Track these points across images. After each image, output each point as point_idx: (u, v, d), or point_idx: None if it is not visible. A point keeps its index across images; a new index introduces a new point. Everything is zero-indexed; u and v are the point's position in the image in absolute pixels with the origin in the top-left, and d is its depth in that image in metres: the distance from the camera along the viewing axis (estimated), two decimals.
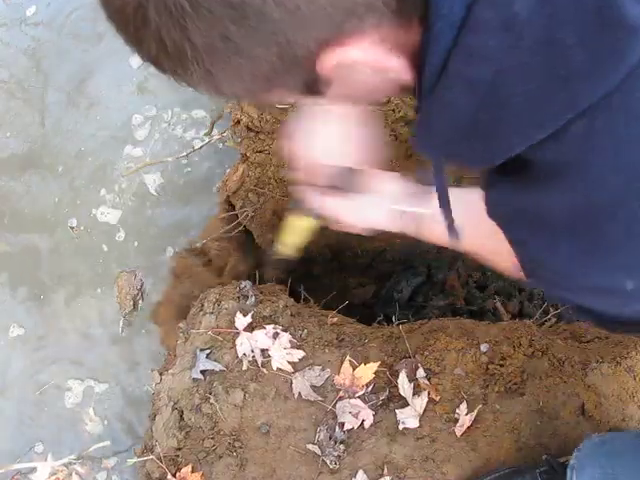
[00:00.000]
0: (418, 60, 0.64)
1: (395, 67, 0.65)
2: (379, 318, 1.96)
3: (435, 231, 1.11)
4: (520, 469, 1.47)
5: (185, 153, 2.16)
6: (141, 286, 2.33)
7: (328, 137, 1.20)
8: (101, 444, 2.12)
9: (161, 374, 1.78)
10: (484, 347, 1.64)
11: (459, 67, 0.60)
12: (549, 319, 1.88)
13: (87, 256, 2.36)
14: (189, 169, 2.26)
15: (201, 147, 2.13)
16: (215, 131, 2.18)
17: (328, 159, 1.19)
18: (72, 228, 2.37)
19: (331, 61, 0.62)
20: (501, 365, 1.61)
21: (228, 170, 2.09)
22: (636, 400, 1.57)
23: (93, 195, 2.39)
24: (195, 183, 2.28)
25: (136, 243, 2.33)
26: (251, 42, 0.58)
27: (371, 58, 0.63)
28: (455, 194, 0.95)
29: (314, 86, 0.68)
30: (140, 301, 2.32)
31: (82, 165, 2.43)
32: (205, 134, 2.34)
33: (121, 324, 2.30)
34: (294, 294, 1.93)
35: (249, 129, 2.00)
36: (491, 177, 0.75)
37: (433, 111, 0.68)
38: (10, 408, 2.31)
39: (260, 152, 1.98)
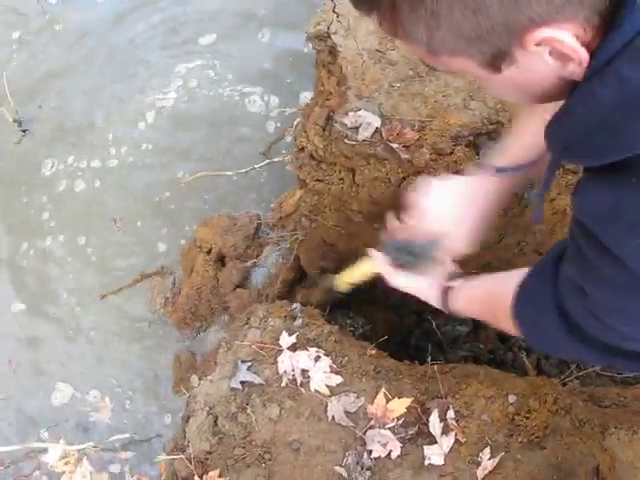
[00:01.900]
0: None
1: (582, 59, 0.71)
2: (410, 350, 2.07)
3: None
4: None
5: (245, 170, 2.25)
6: (173, 286, 2.42)
7: (447, 204, 1.35)
8: (120, 436, 2.19)
9: (200, 379, 1.86)
10: (512, 398, 1.73)
11: (620, 66, 0.68)
12: (571, 380, 1.98)
13: None
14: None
15: (261, 166, 2.21)
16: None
17: (436, 223, 1.34)
18: None
19: (536, 38, 0.69)
20: (527, 418, 1.70)
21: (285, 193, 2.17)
22: None
23: None
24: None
25: None
26: (484, 4, 0.67)
27: (571, 45, 0.69)
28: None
29: (497, 62, 0.75)
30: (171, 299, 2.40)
31: None
32: (262, 153, 2.44)
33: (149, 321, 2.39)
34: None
35: (312, 157, 2.10)
36: (584, 180, 0.82)
37: (574, 103, 0.75)
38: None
39: (319, 181, 2.08)
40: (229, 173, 2.28)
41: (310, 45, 2.22)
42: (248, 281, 2.30)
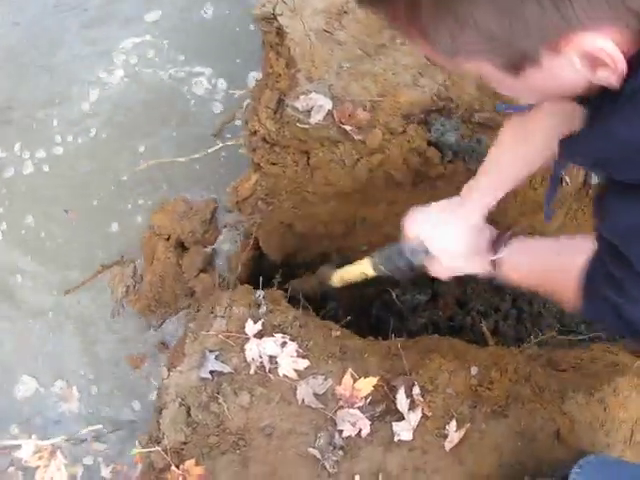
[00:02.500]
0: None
1: (619, 67, 0.70)
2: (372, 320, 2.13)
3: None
4: None
5: (198, 155, 2.24)
6: (134, 274, 2.41)
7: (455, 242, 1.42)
8: (92, 427, 2.21)
9: (169, 370, 1.88)
10: (474, 370, 1.80)
11: None
12: (529, 345, 2.06)
13: None
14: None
15: (214, 150, 2.21)
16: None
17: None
18: None
19: (573, 43, 0.68)
20: (489, 389, 1.77)
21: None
22: (604, 429, 1.75)
23: None
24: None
25: None
26: (520, 7, 0.66)
27: (611, 52, 0.68)
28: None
29: (519, 65, 0.75)
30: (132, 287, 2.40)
31: None
32: (213, 134, 2.43)
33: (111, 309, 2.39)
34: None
35: (265, 141, 2.09)
36: (614, 195, 0.82)
37: (617, 124, 0.74)
38: None
39: (274, 164, 2.09)
40: (182, 159, 2.26)
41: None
42: (211, 266, 2.31)
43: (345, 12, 2.03)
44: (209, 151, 2.23)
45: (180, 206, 2.37)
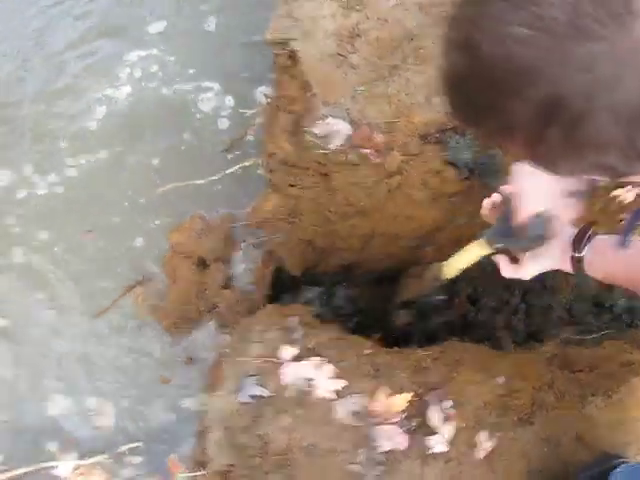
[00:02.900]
0: None
1: None
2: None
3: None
4: None
5: (216, 177, 2.29)
6: (157, 292, 2.48)
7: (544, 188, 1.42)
8: (131, 445, 2.30)
9: (209, 395, 1.96)
10: (499, 380, 1.91)
11: None
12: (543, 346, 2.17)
13: None
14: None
15: (232, 171, 2.26)
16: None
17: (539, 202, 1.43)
18: None
19: None
20: (515, 398, 1.88)
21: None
22: (623, 429, 1.87)
23: None
24: None
25: None
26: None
27: None
28: None
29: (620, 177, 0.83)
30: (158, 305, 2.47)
31: None
32: (224, 150, 2.48)
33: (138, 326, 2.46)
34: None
35: (283, 162, 2.15)
36: None
37: None
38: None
39: (293, 186, 2.15)
40: (200, 182, 2.31)
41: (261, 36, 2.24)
42: (232, 281, 2.39)
43: (357, 35, 2.08)
44: (227, 172, 2.27)
45: (197, 224, 2.42)
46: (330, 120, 2.02)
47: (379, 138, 2.01)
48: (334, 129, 2.01)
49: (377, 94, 2.05)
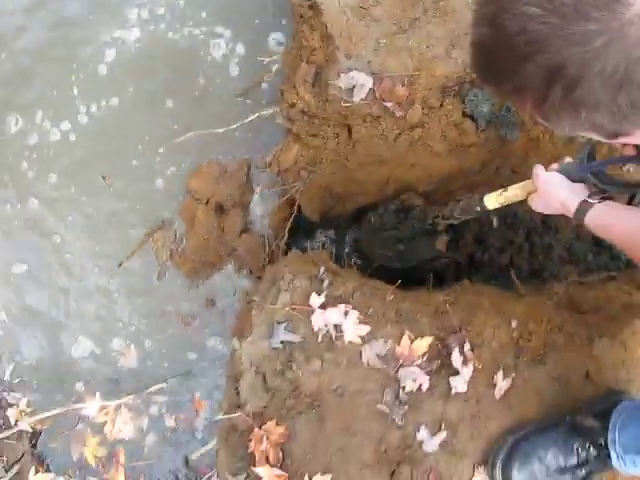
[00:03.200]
0: None
1: None
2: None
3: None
4: (546, 426, 1.91)
5: (235, 125, 2.32)
6: (175, 238, 2.55)
7: None
8: (157, 386, 2.42)
9: (239, 340, 2.07)
10: (514, 323, 2.04)
11: None
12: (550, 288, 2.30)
13: None
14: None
15: (250, 120, 2.30)
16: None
17: None
18: None
19: None
20: (528, 340, 2.01)
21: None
22: (625, 367, 2.03)
23: None
24: None
25: None
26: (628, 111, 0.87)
27: None
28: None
29: (617, 136, 0.96)
30: (176, 250, 2.54)
31: None
32: (239, 96, 2.50)
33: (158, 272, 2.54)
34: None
35: (304, 113, 2.20)
36: None
37: None
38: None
39: (315, 136, 2.20)
40: (220, 130, 2.34)
41: None
42: (251, 225, 2.46)
43: None
44: (245, 121, 2.31)
45: (214, 169, 2.48)
46: (354, 74, 2.05)
47: (401, 91, 2.06)
48: (358, 83, 2.05)
49: (399, 47, 2.08)
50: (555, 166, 1.69)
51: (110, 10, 2.63)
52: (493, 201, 1.94)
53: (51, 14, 2.65)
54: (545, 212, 1.75)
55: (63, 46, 2.62)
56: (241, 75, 2.55)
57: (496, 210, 1.97)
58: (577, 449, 1.85)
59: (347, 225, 2.61)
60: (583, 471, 1.86)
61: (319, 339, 2.01)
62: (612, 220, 1.55)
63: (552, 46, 0.81)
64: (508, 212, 2.61)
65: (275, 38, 2.52)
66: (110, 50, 2.61)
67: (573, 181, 1.65)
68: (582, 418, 1.89)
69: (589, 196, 1.60)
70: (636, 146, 1.17)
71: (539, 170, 1.69)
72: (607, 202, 1.58)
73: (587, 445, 1.84)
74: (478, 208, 2.01)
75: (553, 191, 1.66)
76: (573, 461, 1.86)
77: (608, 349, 2.03)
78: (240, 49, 2.54)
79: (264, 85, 2.48)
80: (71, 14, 2.65)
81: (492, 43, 0.89)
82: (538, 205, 1.74)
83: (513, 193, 1.87)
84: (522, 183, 1.83)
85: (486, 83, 0.99)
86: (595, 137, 0.99)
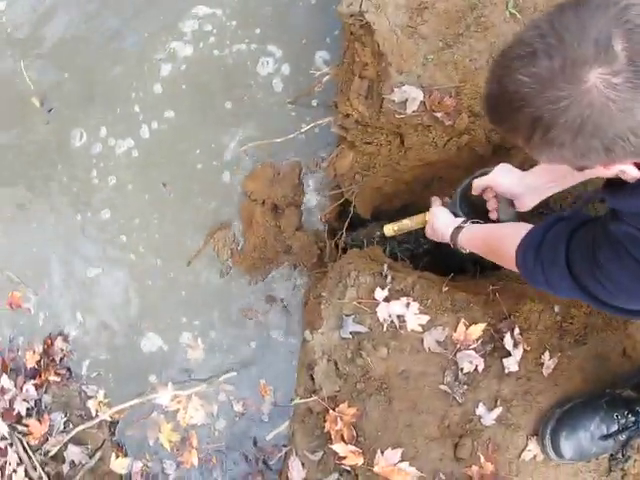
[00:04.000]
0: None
1: (636, 175, 1.21)
2: None
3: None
4: (589, 399, 2.15)
5: (292, 135, 2.53)
6: (234, 237, 2.76)
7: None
8: (227, 375, 2.64)
9: (311, 332, 2.29)
10: (557, 308, 2.27)
11: None
12: None
13: None
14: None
15: (306, 130, 2.51)
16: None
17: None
18: None
19: (613, 167, 1.18)
20: (570, 323, 2.25)
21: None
22: None
23: None
24: None
25: None
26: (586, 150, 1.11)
27: (632, 171, 1.19)
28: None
29: (583, 169, 1.22)
30: (236, 249, 2.76)
31: None
32: (289, 102, 2.71)
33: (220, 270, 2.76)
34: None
35: (358, 122, 2.41)
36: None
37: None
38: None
39: (369, 143, 2.42)
40: (278, 140, 2.55)
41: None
42: (304, 223, 2.68)
43: (426, 7, 2.29)
44: (302, 130, 2.52)
45: (268, 172, 2.69)
46: (406, 88, 2.26)
47: (449, 102, 2.27)
48: (410, 96, 2.26)
49: (445, 61, 2.28)
50: (440, 202, 2.20)
51: (164, 26, 2.82)
52: (390, 229, 2.36)
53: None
54: (435, 239, 2.18)
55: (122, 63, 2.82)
56: (294, 87, 2.76)
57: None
58: (617, 417, 2.09)
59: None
60: (623, 436, 2.10)
61: (384, 329, 2.24)
62: (473, 235, 2.01)
63: (534, 103, 1.08)
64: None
65: (321, 56, 2.73)
66: (166, 65, 2.81)
67: (454, 214, 2.14)
68: (621, 390, 2.13)
69: (462, 223, 2.06)
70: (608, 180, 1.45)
71: (433, 204, 2.21)
72: (472, 224, 2.04)
73: (626, 413, 2.08)
74: (378, 233, 2.46)
75: (437, 223, 2.14)
76: (614, 428, 2.10)
77: None
78: (287, 65, 2.75)
79: (315, 96, 2.69)
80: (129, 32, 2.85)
81: (497, 96, 1.17)
82: (430, 233, 2.19)
83: (405, 224, 2.32)
84: (413, 217, 2.30)
85: (492, 123, 1.28)
86: (569, 167, 1.25)
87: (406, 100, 2.27)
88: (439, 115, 2.27)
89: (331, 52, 2.73)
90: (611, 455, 2.17)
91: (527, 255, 1.64)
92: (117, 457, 2.68)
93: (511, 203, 2.04)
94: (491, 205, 2.07)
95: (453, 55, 2.29)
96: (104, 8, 2.88)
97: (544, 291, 1.65)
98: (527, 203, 2.02)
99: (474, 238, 2.00)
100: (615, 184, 1.31)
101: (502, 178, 2.01)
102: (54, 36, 2.88)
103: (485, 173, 2.05)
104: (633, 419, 2.08)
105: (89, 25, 2.88)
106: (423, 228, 2.25)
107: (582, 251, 1.46)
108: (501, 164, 2.03)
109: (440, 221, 2.13)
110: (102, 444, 2.70)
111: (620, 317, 2.26)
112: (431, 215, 2.17)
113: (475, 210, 2.14)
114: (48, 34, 2.90)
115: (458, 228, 2.04)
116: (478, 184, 2.06)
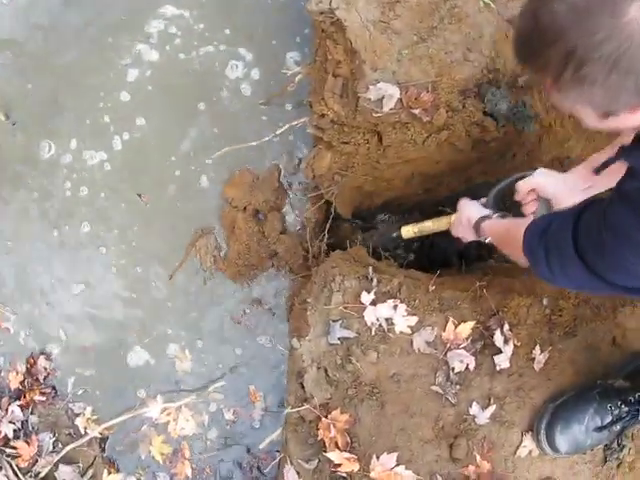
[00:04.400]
0: None
1: None
2: None
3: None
4: (582, 392, 2.13)
5: (267, 138, 2.48)
6: (216, 244, 2.71)
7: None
8: (216, 384, 2.61)
9: (299, 340, 2.26)
10: (545, 301, 2.25)
11: None
12: None
13: None
14: None
15: (281, 132, 2.46)
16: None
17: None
18: None
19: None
20: (559, 315, 2.23)
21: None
22: None
23: None
24: None
25: None
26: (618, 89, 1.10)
27: None
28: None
29: (608, 115, 1.19)
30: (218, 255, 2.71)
31: None
32: (262, 103, 2.66)
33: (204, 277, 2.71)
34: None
35: (334, 122, 2.35)
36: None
37: None
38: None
39: (346, 143, 2.37)
40: (254, 144, 2.49)
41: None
42: (287, 226, 2.64)
43: (397, 1, 2.24)
44: (277, 132, 2.46)
45: (247, 177, 2.64)
46: (381, 85, 2.21)
47: (426, 97, 2.22)
48: (386, 93, 2.20)
49: (420, 55, 2.23)
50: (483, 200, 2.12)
51: (129, 27, 2.74)
52: (409, 231, 2.29)
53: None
54: (459, 235, 2.13)
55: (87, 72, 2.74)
56: (265, 89, 2.70)
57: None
58: (611, 408, 2.08)
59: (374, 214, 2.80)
60: (618, 427, 2.10)
61: (372, 332, 2.21)
62: (498, 223, 1.98)
63: (569, 35, 1.07)
64: None
65: (292, 57, 2.68)
66: (133, 70, 2.73)
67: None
68: (613, 381, 2.12)
69: (491, 214, 2.03)
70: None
71: (461, 199, 2.14)
72: (499, 216, 2.01)
73: (619, 404, 2.08)
74: (394, 235, 2.38)
75: (465, 210, 2.09)
76: (608, 419, 2.09)
77: (630, 316, 2.25)
78: (257, 68, 2.70)
79: (289, 97, 2.63)
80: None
81: (530, 29, 1.16)
82: (456, 229, 2.13)
83: (427, 226, 2.26)
84: (436, 218, 2.25)
85: (521, 61, 1.25)
86: (591, 117, 1.23)
87: (382, 98, 2.22)
88: (417, 112, 2.23)
89: (302, 52, 2.67)
90: (606, 445, 2.16)
91: (532, 240, 1.58)
92: (109, 473, 2.63)
93: (549, 206, 1.99)
94: (529, 209, 2.01)
95: (428, 49, 2.24)
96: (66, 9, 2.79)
97: (547, 281, 1.60)
98: (567, 205, 1.93)
99: (498, 225, 1.96)
100: None
101: (546, 180, 1.97)
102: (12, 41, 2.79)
103: (523, 177, 2.01)
104: (627, 409, 2.07)
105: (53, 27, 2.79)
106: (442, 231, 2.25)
107: (590, 225, 1.38)
108: (540, 168, 2.00)
109: (469, 210, 2.08)
110: (93, 461, 2.65)
111: (621, 297, 2.23)
112: (460, 206, 2.12)
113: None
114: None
115: (486, 217, 2.01)
116: (523, 187, 2.00)
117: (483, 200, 2.10)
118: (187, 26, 2.72)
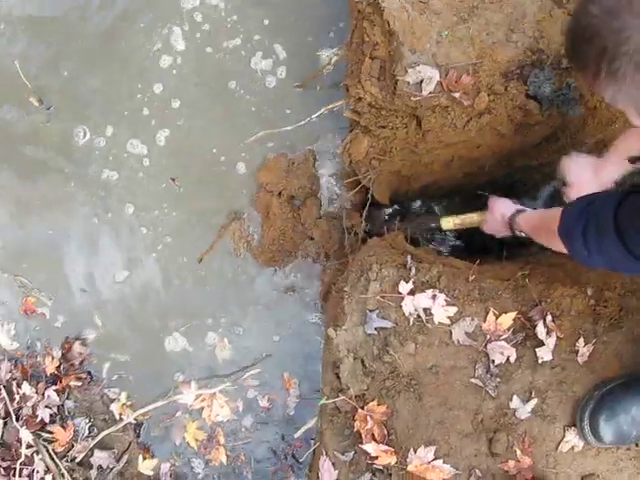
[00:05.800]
0: None
1: None
2: None
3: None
4: (630, 381, 2.06)
5: (303, 122, 2.42)
6: (250, 229, 2.67)
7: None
8: (252, 371, 2.58)
9: (335, 329, 2.21)
10: (589, 291, 2.17)
11: None
12: None
13: None
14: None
15: (317, 115, 2.40)
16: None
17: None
18: None
19: None
20: (605, 306, 2.15)
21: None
22: None
23: None
24: None
25: None
26: None
27: None
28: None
29: None
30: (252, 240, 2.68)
31: None
32: (297, 86, 2.60)
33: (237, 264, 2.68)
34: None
35: (371, 106, 2.29)
36: None
37: None
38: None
39: (384, 127, 2.30)
40: (289, 128, 2.44)
41: None
42: (323, 211, 2.59)
43: None
44: (313, 116, 2.41)
45: (282, 162, 2.59)
46: (421, 68, 2.13)
47: (467, 80, 2.14)
48: (426, 76, 2.13)
49: (460, 37, 2.15)
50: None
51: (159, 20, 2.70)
52: (449, 222, 2.34)
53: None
54: (491, 232, 2.23)
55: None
56: (301, 71, 2.66)
57: None
58: None
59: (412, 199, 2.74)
60: None
61: (410, 323, 2.16)
62: (533, 215, 2.05)
63: (601, 33, 1.18)
64: None
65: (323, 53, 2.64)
66: (168, 57, 2.69)
67: None
68: None
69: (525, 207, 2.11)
70: None
71: (491, 197, 2.22)
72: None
73: None
74: (433, 225, 2.42)
75: (497, 206, 2.17)
76: None
77: None
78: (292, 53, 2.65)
79: (325, 79, 2.56)
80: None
81: (573, 30, 1.28)
82: (488, 225, 2.23)
83: (469, 217, 2.31)
84: (479, 211, 2.28)
85: (570, 62, 1.48)
86: (633, 115, 1.30)
87: (421, 81, 2.15)
88: (457, 95, 2.15)
89: (338, 35, 2.60)
90: None
91: (570, 217, 1.65)
92: (144, 459, 2.65)
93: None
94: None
95: (468, 30, 2.16)
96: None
97: (580, 260, 1.64)
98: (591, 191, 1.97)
99: (533, 216, 2.04)
100: None
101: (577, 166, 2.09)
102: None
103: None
104: None
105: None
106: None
107: (636, 205, 1.45)
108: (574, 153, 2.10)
109: (502, 206, 2.16)
110: (128, 447, 2.66)
111: None
112: (491, 203, 2.20)
113: None
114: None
115: (520, 211, 2.09)
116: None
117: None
118: (219, 18, 2.67)
